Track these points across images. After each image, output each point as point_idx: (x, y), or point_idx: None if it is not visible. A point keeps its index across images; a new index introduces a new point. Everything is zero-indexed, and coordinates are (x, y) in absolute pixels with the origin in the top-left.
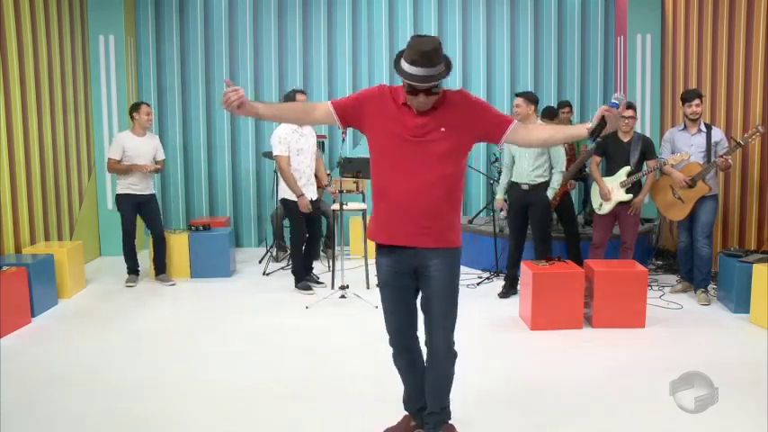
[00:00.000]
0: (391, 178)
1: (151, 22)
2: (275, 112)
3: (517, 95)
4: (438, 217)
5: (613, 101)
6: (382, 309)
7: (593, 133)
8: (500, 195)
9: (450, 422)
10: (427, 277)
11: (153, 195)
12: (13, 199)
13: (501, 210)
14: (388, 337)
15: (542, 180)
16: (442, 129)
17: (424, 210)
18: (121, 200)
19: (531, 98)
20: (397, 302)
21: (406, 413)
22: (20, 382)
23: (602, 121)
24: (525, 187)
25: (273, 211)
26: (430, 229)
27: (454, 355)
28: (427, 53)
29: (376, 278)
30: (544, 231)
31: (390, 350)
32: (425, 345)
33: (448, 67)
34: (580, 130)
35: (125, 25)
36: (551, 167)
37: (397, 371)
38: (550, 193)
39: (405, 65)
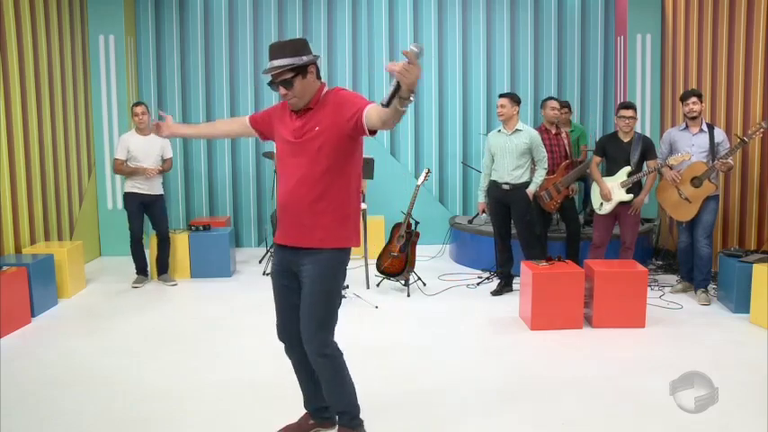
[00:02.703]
0: (280, 179)
1: (151, 22)
2: (193, 132)
3: (502, 96)
4: (314, 216)
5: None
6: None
7: (387, 100)
8: (482, 199)
9: (346, 428)
10: (303, 280)
11: (160, 196)
12: (13, 199)
13: (483, 213)
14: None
15: (524, 180)
16: (317, 128)
17: (301, 209)
18: (128, 198)
19: (516, 99)
20: (282, 301)
21: (306, 411)
22: (20, 382)
23: (396, 85)
24: (506, 187)
25: (273, 211)
26: (305, 228)
27: (328, 358)
28: (278, 46)
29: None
30: (529, 231)
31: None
32: None
33: (305, 59)
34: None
35: (125, 25)
36: (533, 166)
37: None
38: (532, 188)
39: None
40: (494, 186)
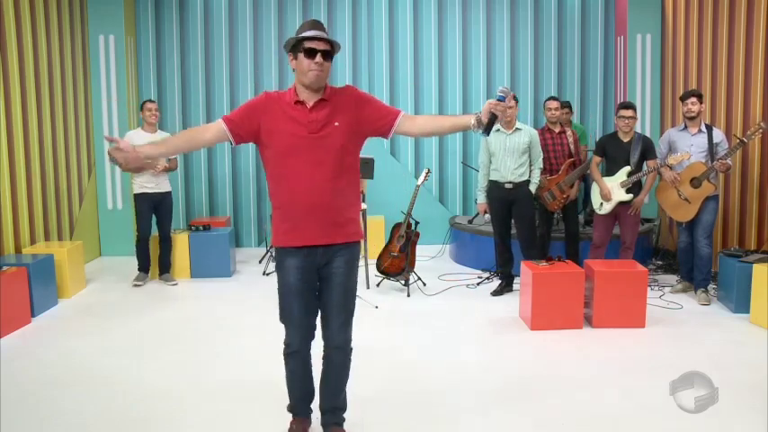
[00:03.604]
0: (295, 177)
1: (151, 21)
2: (163, 150)
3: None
4: (343, 211)
5: (499, 95)
6: (286, 312)
7: (486, 129)
8: (482, 199)
9: (341, 428)
10: (332, 272)
11: (168, 193)
12: (13, 199)
13: (485, 213)
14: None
15: (526, 178)
16: (336, 123)
17: (332, 206)
18: (138, 199)
19: (515, 99)
20: (305, 303)
21: (300, 417)
22: (20, 382)
23: (492, 116)
24: (509, 186)
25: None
26: (336, 224)
27: (350, 348)
28: (320, 23)
29: (277, 283)
30: (530, 231)
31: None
32: (323, 339)
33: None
34: (467, 119)
35: (125, 25)
36: (531, 165)
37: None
38: (533, 188)
39: (303, 35)
40: (495, 187)
